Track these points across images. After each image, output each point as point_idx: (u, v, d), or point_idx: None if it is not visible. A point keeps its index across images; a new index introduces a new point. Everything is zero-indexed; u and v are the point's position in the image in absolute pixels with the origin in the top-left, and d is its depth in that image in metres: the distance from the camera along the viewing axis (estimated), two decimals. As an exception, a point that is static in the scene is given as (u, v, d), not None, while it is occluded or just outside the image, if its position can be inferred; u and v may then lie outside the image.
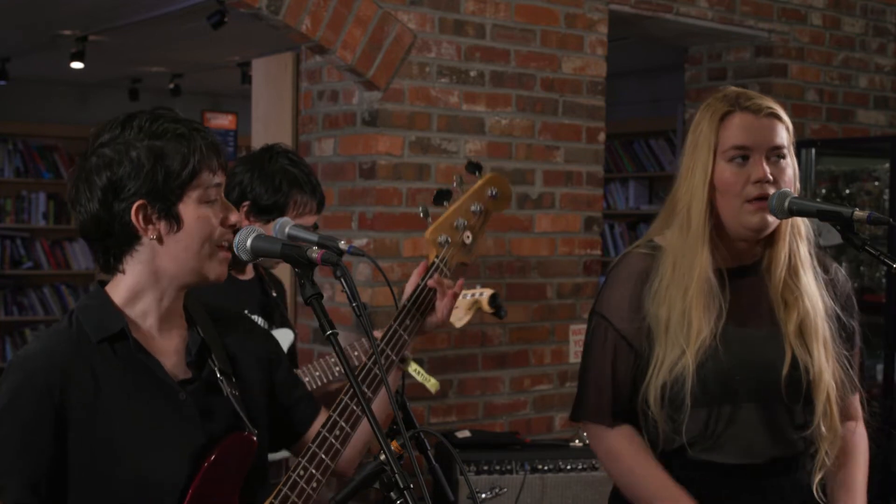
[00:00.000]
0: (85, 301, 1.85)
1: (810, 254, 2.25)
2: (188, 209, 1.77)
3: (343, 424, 1.91)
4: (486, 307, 3.12)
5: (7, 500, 1.71)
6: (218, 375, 1.84)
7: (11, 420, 1.74)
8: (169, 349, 1.85)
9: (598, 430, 2.25)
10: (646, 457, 2.19)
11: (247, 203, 2.79)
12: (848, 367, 2.22)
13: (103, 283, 1.86)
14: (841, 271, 2.34)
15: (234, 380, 1.87)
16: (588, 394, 2.25)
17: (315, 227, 2.95)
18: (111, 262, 1.82)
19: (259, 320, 2.89)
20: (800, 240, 2.23)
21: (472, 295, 3.10)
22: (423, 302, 2.11)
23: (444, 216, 2.16)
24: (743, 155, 2.15)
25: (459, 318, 3.08)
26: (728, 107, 2.18)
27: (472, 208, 2.19)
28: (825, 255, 2.32)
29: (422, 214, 2.14)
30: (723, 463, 2.16)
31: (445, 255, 2.14)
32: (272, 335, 2.08)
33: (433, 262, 2.13)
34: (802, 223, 2.24)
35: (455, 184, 2.19)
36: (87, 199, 1.78)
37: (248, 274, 2.92)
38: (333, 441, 1.90)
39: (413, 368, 2.26)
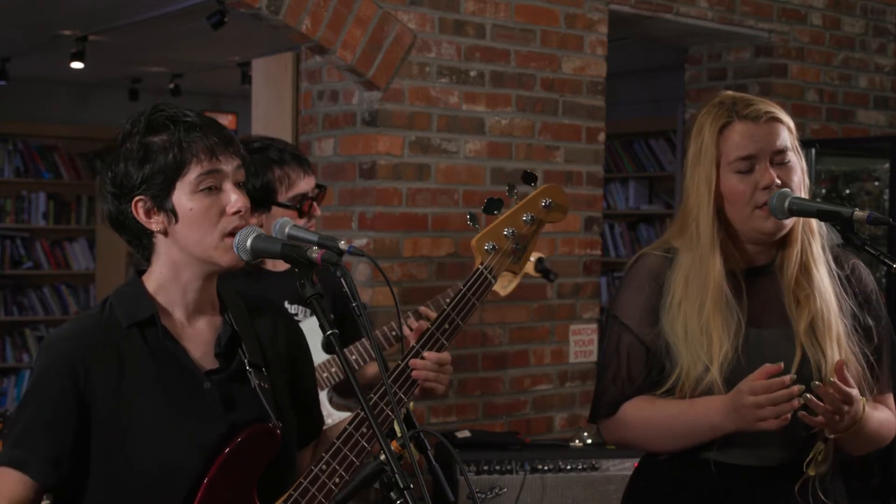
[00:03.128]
0: (121, 288, 1.90)
1: (823, 250, 2.24)
2: (181, 201, 1.80)
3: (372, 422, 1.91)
4: (532, 272, 3.03)
5: (29, 473, 1.76)
6: (247, 367, 1.86)
7: (38, 399, 1.80)
8: (199, 338, 1.87)
9: (608, 421, 2.26)
10: (661, 400, 2.18)
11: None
12: (866, 365, 2.19)
13: (141, 272, 1.90)
14: (862, 268, 2.31)
15: (264, 371, 1.89)
16: (604, 395, 2.26)
17: (321, 189, 2.92)
18: (143, 254, 1.88)
19: (298, 309, 2.90)
20: (812, 237, 2.22)
21: None
22: (465, 309, 2.10)
23: (493, 224, 2.16)
24: (748, 166, 2.15)
25: (504, 286, 3.00)
26: (726, 117, 2.16)
27: (524, 218, 2.18)
28: (844, 251, 2.28)
29: (469, 221, 2.15)
30: (734, 464, 2.15)
31: (491, 263, 2.14)
32: (301, 333, 2.08)
33: (477, 269, 2.13)
34: (817, 223, 2.23)
35: (507, 193, 2.19)
36: (102, 199, 1.86)
37: (285, 265, 2.92)
38: (360, 439, 1.90)
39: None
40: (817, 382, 2.03)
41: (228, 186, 1.82)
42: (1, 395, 8.53)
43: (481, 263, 2.13)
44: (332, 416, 2.93)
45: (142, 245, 1.86)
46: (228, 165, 1.83)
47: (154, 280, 1.87)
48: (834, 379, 2.03)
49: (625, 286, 2.27)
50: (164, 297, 1.86)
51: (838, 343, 2.17)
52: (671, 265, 2.22)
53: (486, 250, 2.14)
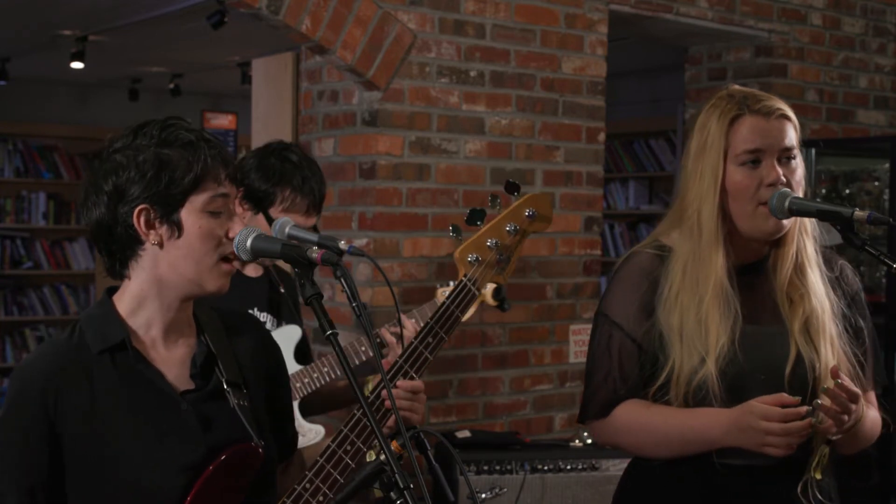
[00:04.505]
0: (90, 310, 1.86)
1: (816, 252, 2.24)
2: (190, 217, 1.77)
3: (354, 439, 1.89)
4: (489, 300, 3.07)
5: None
6: (224, 386, 1.83)
7: (10, 429, 1.77)
8: (174, 359, 1.84)
9: (600, 422, 2.24)
10: (657, 406, 2.16)
11: (242, 189, 2.80)
12: (858, 366, 2.20)
13: (112, 292, 1.87)
14: (849, 268, 2.31)
15: (243, 389, 1.86)
16: (595, 395, 2.23)
17: (314, 230, 2.94)
18: (117, 268, 1.82)
19: (267, 317, 2.90)
20: (806, 238, 2.22)
21: None
22: (448, 321, 2.09)
23: (476, 236, 2.14)
24: (755, 158, 2.14)
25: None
26: (737, 109, 2.16)
27: (507, 228, 2.15)
28: (832, 252, 2.29)
29: (452, 233, 2.12)
30: (731, 464, 2.14)
31: (475, 274, 2.11)
32: (279, 349, 2.07)
33: (461, 281, 2.11)
34: (809, 221, 2.23)
35: (490, 204, 2.16)
36: (93, 203, 1.79)
37: (257, 271, 2.92)
38: (343, 455, 1.88)
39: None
40: (826, 387, 2.03)
41: (230, 212, 1.82)
42: (1, 395, 8.54)
43: (465, 275, 2.11)
44: (303, 427, 2.91)
45: (124, 256, 1.80)
46: (232, 192, 1.83)
47: (131, 296, 1.82)
48: (840, 380, 2.03)
49: (616, 284, 2.25)
50: (140, 315, 1.82)
51: (831, 344, 2.18)
52: (664, 263, 2.20)
53: (470, 262, 2.11)
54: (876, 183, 5.24)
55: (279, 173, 2.80)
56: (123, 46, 7.29)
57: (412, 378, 2.05)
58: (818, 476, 2.14)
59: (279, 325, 2.92)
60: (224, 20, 5.46)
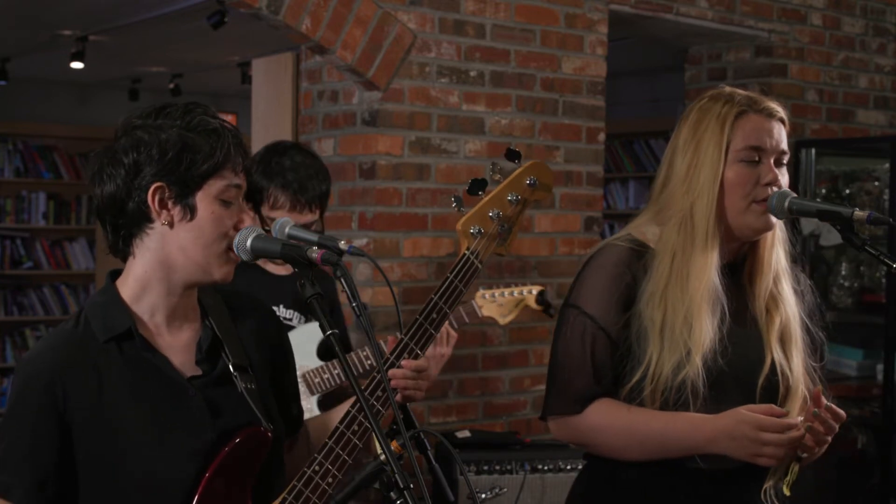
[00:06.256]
0: (95, 298, 1.86)
1: (787, 262, 2.25)
2: (204, 202, 1.78)
3: (363, 420, 1.90)
4: (533, 304, 3.06)
5: (14, 499, 1.73)
6: (231, 370, 1.84)
7: (18, 421, 1.77)
8: (179, 345, 1.84)
9: (572, 418, 2.16)
10: (637, 408, 2.10)
11: None
12: (818, 380, 2.22)
13: (115, 276, 1.86)
14: (808, 282, 2.32)
15: (250, 372, 1.87)
16: (566, 389, 2.16)
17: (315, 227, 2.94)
18: (120, 245, 1.82)
19: (294, 314, 2.90)
20: (781, 248, 2.23)
21: (519, 293, 3.04)
22: (452, 296, 2.07)
23: (477, 207, 2.10)
24: (755, 156, 2.14)
25: (503, 315, 3.03)
26: (741, 108, 2.15)
27: (509, 198, 2.12)
28: (795, 265, 2.30)
29: (454, 204, 2.09)
30: (694, 467, 2.11)
31: (477, 247, 2.08)
32: (283, 328, 2.07)
33: (464, 254, 2.08)
34: (781, 231, 2.23)
35: (491, 173, 2.14)
36: (108, 176, 1.78)
37: (287, 269, 2.92)
38: (351, 436, 1.89)
39: None
40: (815, 410, 2.04)
41: (241, 205, 1.83)
42: (1, 395, 8.53)
43: (467, 248, 2.08)
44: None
45: (129, 233, 1.79)
46: (244, 185, 1.84)
47: (135, 279, 1.82)
48: (830, 404, 2.05)
49: (588, 276, 2.18)
50: (144, 301, 1.82)
51: (799, 356, 2.19)
52: (640, 258, 2.16)
53: (472, 234, 2.09)
54: (876, 183, 5.24)
55: (265, 171, 2.83)
56: (123, 46, 7.29)
57: (417, 356, 2.05)
58: (788, 492, 2.14)
59: (307, 321, 2.93)
60: (224, 20, 5.47)
